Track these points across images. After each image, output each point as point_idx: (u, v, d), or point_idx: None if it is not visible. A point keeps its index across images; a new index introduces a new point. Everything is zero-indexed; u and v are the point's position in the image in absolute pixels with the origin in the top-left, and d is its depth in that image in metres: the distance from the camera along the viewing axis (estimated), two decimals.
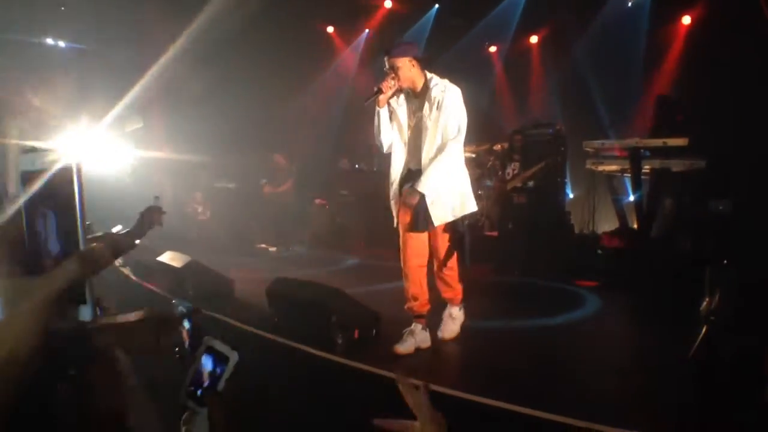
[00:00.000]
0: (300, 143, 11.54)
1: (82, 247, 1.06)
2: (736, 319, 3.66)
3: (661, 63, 10.00)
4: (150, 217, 2.47)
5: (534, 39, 11.71)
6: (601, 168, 7.53)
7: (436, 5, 11.70)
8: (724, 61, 8.02)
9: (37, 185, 1.03)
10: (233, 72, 11.32)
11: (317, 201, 10.88)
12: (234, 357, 1.12)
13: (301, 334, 4.51)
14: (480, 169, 8.83)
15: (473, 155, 9.16)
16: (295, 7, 10.86)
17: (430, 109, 4.17)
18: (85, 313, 1.11)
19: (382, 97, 4.20)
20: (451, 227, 4.34)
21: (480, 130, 10.35)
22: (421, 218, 4.20)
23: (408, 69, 4.19)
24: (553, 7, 10.57)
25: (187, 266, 6.15)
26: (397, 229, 4.40)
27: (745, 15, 7.36)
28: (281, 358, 4.30)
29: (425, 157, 4.18)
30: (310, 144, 12.00)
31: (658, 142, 6.79)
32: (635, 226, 7.40)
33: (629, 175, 7.30)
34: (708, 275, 3.86)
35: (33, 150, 1.12)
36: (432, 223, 4.19)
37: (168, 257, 6.54)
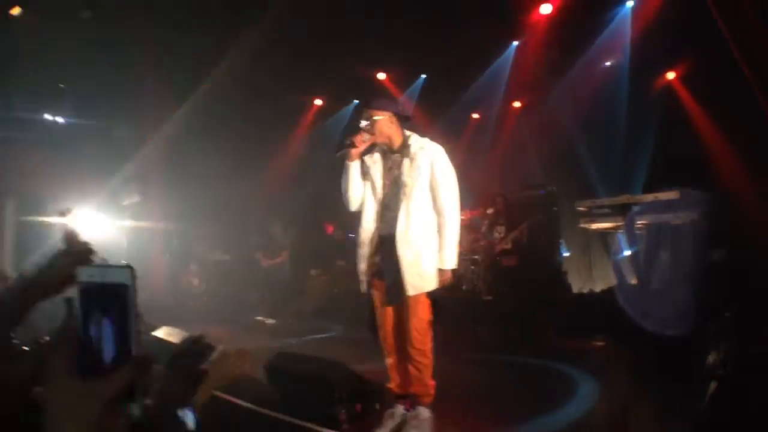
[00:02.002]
0: (294, 214, 11.57)
1: (133, 351, 1.09)
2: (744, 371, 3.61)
3: (645, 119, 10.18)
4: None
5: (517, 104, 11.99)
6: (594, 226, 7.56)
7: (423, 75, 11.96)
8: (710, 113, 8.19)
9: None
10: (228, 144, 11.48)
11: (313, 272, 10.84)
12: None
13: (302, 410, 4.40)
14: (474, 234, 8.84)
15: (467, 221, 9.20)
16: (286, 81, 11.06)
17: (410, 167, 3.92)
18: (135, 410, 1.15)
19: (354, 151, 3.97)
20: (424, 299, 3.96)
21: (474, 196, 10.48)
22: (392, 290, 3.97)
23: (386, 124, 3.98)
24: (537, 73, 10.81)
25: (183, 342, 6.02)
26: (367, 299, 4.24)
27: (727, 67, 7.56)
28: None
29: (402, 217, 3.89)
30: (304, 214, 12.04)
31: (649, 197, 6.85)
32: (634, 281, 7.37)
33: (623, 231, 7.32)
34: (712, 328, 3.82)
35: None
36: (405, 291, 3.88)
37: (164, 333, 6.42)
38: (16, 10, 8.87)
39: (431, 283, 3.94)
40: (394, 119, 4.03)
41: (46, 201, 8.61)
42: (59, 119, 11.81)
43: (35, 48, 9.10)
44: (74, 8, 8.83)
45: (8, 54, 9.05)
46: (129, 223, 10.05)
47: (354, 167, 4.05)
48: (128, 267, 1.05)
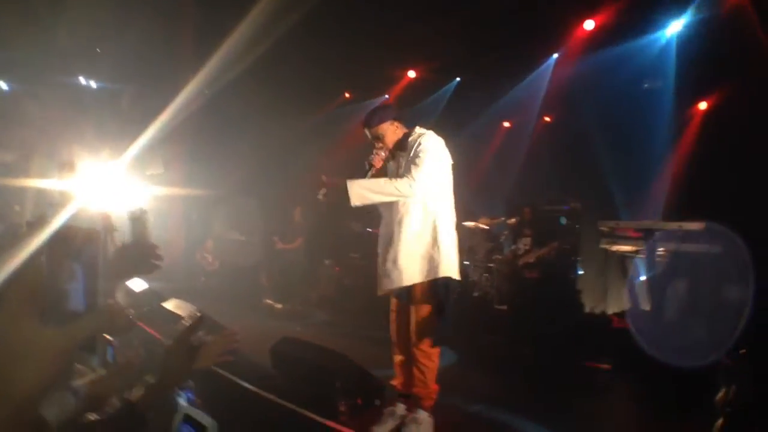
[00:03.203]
0: (314, 201, 11.56)
1: (98, 303, 1.07)
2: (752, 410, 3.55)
3: (676, 146, 10.07)
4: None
5: (548, 118, 11.89)
6: (615, 248, 7.48)
7: (458, 78, 11.89)
8: (741, 147, 8.08)
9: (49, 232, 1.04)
10: (253, 126, 11.50)
11: (327, 262, 10.84)
12: (212, 426, 1.10)
13: (303, 398, 4.40)
14: (492, 243, 8.80)
15: (486, 227, 9.16)
16: (320, 68, 11.04)
17: (405, 160, 3.96)
18: (94, 361, 1.12)
19: (375, 172, 4.00)
20: (430, 297, 3.93)
21: (495, 205, 10.41)
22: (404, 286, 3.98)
23: (392, 132, 4.04)
24: (571, 89, 10.72)
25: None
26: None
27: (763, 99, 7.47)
28: (281, 419, 4.19)
29: (395, 209, 3.95)
30: (324, 203, 12.04)
31: (674, 225, 6.75)
32: (647, 308, 7.29)
33: (643, 256, 7.24)
34: (725, 364, 3.77)
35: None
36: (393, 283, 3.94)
37: (172, 305, 6.46)
38: None
39: (424, 275, 3.91)
40: (395, 123, 4.07)
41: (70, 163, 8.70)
42: (92, 83, 11.94)
43: (73, 11, 9.17)
44: None
45: (46, 16, 9.12)
46: (152, 190, 10.10)
47: None
48: (106, 215, 1.03)
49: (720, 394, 3.67)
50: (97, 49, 11.05)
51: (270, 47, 9.11)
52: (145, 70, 10.80)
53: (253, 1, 8.12)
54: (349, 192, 3.74)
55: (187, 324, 1.59)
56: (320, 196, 3.93)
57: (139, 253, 1.76)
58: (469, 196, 10.47)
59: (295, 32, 8.86)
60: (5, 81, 11.55)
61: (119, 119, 10.61)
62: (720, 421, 3.60)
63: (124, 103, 11.37)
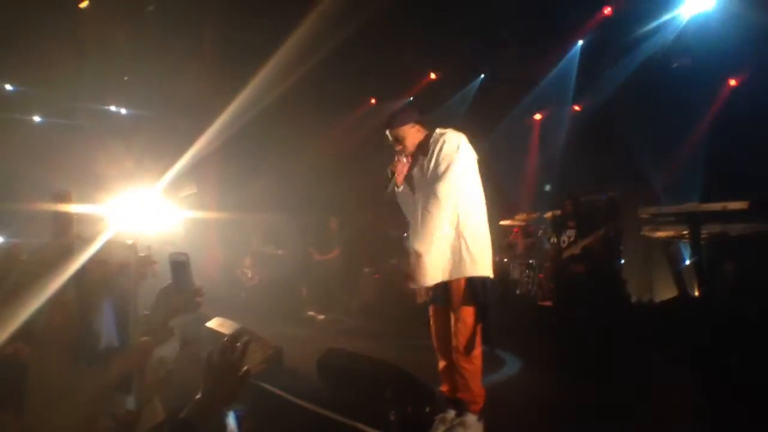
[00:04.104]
0: (351, 211, 11.55)
1: (132, 339, 1.05)
2: None
3: (708, 125, 9.82)
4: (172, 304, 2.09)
5: (577, 108, 11.71)
6: (658, 234, 7.31)
7: (482, 75, 11.79)
8: None
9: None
10: (284, 139, 11.58)
11: (366, 269, 10.83)
12: None
13: (352, 409, 4.37)
14: (531, 238, 8.68)
15: (522, 223, 9.06)
16: (342, 78, 11.09)
17: (428, 162, 3.89)
18: (130, 403, 1.09)
19: (398, 178, 4.00)
20: (467, 299, 3.82)
21: (527, 199, 10.28)
22: (436, 290, 3.93)
23: (413, 135, 3.98)
24: (598, 75, 10.55)
25: (235, 333, 6.08)
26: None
27: None
28: None
29: (420, 212, 3.88)
30: (361, 211, 12.04)
31: (717, 206, 6.56)
32: (696, 293, 7.11)
33: (686, 240, 7.06)
34: None
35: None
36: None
37: (216, 323, 6.50)
38: (84, 3, 9.13)
39: (450, 274, 3.84)
40: (416, 126, 4.01)
41: (105, 190, 8.85)
42: (122, 110, 12.15)
43: (101, 41, 9.35)
44: (140, 2, 9.05)
45: (76, 46, 9.31)
46: (186, 213, 10.23)
47: (402, 192, 4.09)
48: (131, 245, 0.99)
49: None
50: (125, 78, 11.24)
51: (294, 65, 9.19)
52: (173, 95, 10.96)
53: (281, 27, 8.30)
54: (422, 253, 3.78)
55: (230, 339, 1.59)
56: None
57: (183, 298, 1.78)
58: (511, 191, 10.39)
59: (317, 46, 8.92)
60: (39, 115, 11.81)
61: (153, 144, 10.76)
62: None
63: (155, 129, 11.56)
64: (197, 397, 1.48)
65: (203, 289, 1.88)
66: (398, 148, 4.00)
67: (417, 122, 4.02)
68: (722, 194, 6.67)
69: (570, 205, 8.07)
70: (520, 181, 11.10)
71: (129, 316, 0.98)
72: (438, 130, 3.99)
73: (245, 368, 1.58)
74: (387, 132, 4.05)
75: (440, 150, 3.83)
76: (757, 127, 8.39)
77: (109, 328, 1.00)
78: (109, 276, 1.05)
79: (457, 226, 3.83)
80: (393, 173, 3.98)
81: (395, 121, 4.03)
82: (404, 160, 4.00)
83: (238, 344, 1.60)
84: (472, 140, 3.98)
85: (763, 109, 8.41)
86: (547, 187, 9.37)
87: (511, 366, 6.13)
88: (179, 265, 1.84)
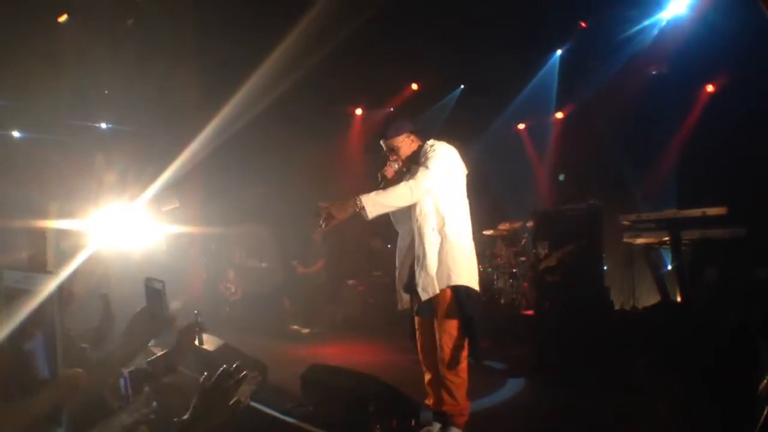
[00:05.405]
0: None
1: (60, 370, 1.02)
2: None
3: (686, 131, 9.92)
4: (187, 338, 2.19)
5: (559, 115, 11.79)
6: (639, 241, 7.36)
7: (462, 86, 11.85)
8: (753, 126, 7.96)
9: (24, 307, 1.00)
10: (267, 152, 11.55)
11: (350, 282, 10.79)
12: None
13: (337, 425, 4.34)
14: (515, 247, 8.70)
15: (505, 232, 9.07)
16: (323, 90, 11.10)
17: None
18: None
19: (387, 183, 3.97)
20: (452, 311, 3.80)
21: (512, 207, 10.30)
22: (421, 303, 3.92)
23: (407, 146, 4.02)
24: (579, 84, 10.64)
25: (219, 350, 6.03)
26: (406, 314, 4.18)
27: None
28: None
29: (411, 223, 3.90)
30: (343, 224, 12.01)
31: (697, 212, 6.63)
32: (678, 298, 7.16)
33: (667, 246, 7.12)
34: (763, 350, 3.65)
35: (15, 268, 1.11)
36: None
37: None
38: (63, 17, 9.06)
39: (428, 289, 3.82)
40: (411, 136, 4.04)
41: (87, 206, 8.74)
42: (103, 125, 12.05)
43: (81, 55, 9.28)
44: (120, 16, 9.00)
45: (56, 60, 9.23)
46: (168, 228, 10.14)
47: None
48: (51, 274, 0.96)
49: (764, 383, 3.54)
50: (106, 92, 11.15)
51: (278, 78, 9.18)
52: (154, 110, 10.89)
53: (262, 40, 8.30)
54: (365, 206, 3.63)
55: (226, 370, 1.59)
56: (321, 223, 3.79)
57: (156, 324, 1.75)
58: (495, 201, 10.40)
59: (298, 59, 8.92)
60: (19, 130, 11.68)
61: (134, 160, 10.67)
62: (766, 411, 3.48)
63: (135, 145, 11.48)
64: (184, 417, 1.47)
65: (177, 319, 1.85)
66: (392, 158, 4.03)
67: (412, 132, 4.06)
68: (701, 200, 6.75)
69: (541, 218, 8.02)
70: (504, 190, 11.11)
71: (57, 345, 0.96)
72: (429, 142, 4.01)
73: (235, 399, 1.58)
74: (381, 142, 4.08)
75: (430, 149, 3.87)
76: (735, 133, 8.50)
77: (42, 359, 0.98)
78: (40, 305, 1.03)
79: (444, 238, 3.84)
80: (383, 177, 4.01)
81: (390, 131, 4.06)
82: (395, 166, 4.03)
83: (239, 374, 1.61)
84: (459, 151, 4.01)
85: (740, 114, 8.51)
86: (561, 177, 9.35)
87: (497, 378, 6.12)
88: (154, 293, 1.81)
